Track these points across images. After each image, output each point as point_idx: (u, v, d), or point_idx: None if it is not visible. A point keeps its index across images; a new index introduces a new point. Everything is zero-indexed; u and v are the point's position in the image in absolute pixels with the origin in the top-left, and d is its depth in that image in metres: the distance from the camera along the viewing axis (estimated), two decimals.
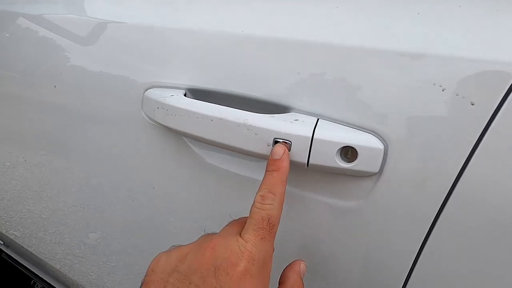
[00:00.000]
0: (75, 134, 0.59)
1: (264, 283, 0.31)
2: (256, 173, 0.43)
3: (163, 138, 0.49)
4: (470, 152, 0.31)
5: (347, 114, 0.36)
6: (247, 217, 0.33)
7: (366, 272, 0.40)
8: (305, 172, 0.39)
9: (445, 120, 0.32)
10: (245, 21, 0.43)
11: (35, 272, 0.91)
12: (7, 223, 0.84)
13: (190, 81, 0.46)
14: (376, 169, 0.35)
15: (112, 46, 0.53)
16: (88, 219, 0.66)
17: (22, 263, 0.94)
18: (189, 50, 0.46)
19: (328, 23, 0.38)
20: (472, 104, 0.31)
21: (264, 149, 0.37)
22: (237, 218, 0.36)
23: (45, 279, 0.90)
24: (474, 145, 0.31)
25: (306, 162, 0.36)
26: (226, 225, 0.35)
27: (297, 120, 0.37)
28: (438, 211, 0.33)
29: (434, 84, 0.32)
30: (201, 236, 0.34)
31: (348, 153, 0.36)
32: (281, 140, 0.36)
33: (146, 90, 0.48)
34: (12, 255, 0.96)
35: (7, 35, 0.64)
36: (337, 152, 0.35)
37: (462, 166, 0.32)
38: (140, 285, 0.32)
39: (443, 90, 0.32)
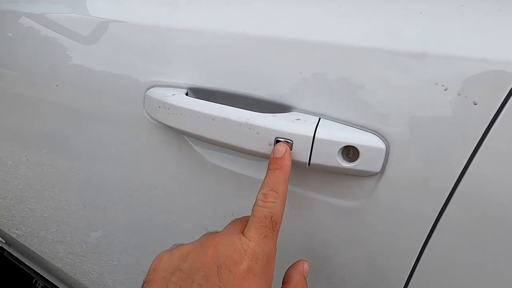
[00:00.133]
0: (77, 133, 0.60)
1: (267, 281, 0.31)
2: (258, 172, 0.43)
3: (165, 137, 0.49)
4: (473, 152, 0.31)
5: (348, 114, 0.36)
6: (250, 216, 0.33)
7: (368, 271, 0.40)
8: (307, 171, 0.39)
9: (447, 120, 0.32)
10: (247, 21, 0.43)
11: (37, 270, 0.92)
12: (9, 222, 0.84)
13: (192, 80, 0.46)
14: (377, 168, 0.35)
15: (114, 45, 0.53)
16: (90, 218, 0.66)
17: (24, 261, 0.94)
18: (191, 49, 0.46)
19: (330, 23, 0.38)
20: (475, 104, 0.31)
21: (266, 149, 0.37)
22: (239, 217, 0.36)
23: (47, 277, 0.90)
24: (477, 145, 0.31)
25: (308, 161, 0.36)
26: (229, 224, 0.35)
27: (299, 119, 0.37)
28: (440, 210, 0.33)
29: (436, 84, 0.32)
30: (203, 235, 0.34)
31: (350, 152, 0.36)
32: (282, 140, 0.36)
33: (148, 89, 0.48)
34: (14, 254, 0.96)
35: (10, 34, 0.64)
36: (338, 151, 0.35)
37: (465, 166, 0.32)
38: (142, 284, 0.32)
39: (445, 90, 0.32)
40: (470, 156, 0.31)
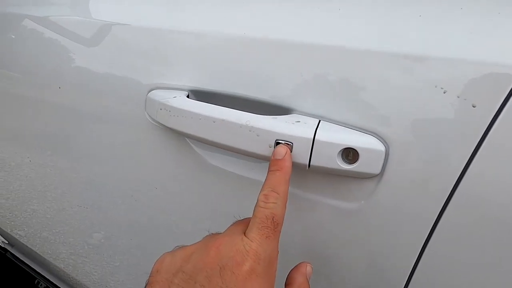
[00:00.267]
0: (80, 135, 0.60)
1: (270, 282, 0.30)
2: (258, 174, 0.43)
3: (166, 139, 0.49)
4: (472, 154, 0.31)
5: (348, 116, 0.36)
6: (251, 217, 0.33)
7: (369, 272, 0.40)
8: (307, 173, 0.39)
9: (446, 122, 0.32)
10: (248, 23, 0.43)
11: (39, 271, 0.92)
12: (12, 223, 0.85)
13: (193, 82, 0.46)
14: (377, 170, 0.35)
15: (116, 47, 0.53)
16: (92, 219, 0.67)
17: (26, 262, 0.95)
18: (192, 52, 0.46)
19: (330, 25, 0.39)
20: (474, 106, 0.31)
21: (266, 151, 0.37)
22: (241, 218, 0.36)
23: (49, 278, 0.91)
24: (476, 147, 0.31)
25: (308, 163, 0.36)
26: (231, 225, 0.35)
27: (299, 121, 0.37)
28: (440, 211, 0.33)
29: (435, 86, 0.32)
30: (205, 236, 0.34)
31: (350, 154, 0.36)
32: (282, 142, 0.36)
33: (149, 91, 0.49)
34: (17, 255, 0.97)
35: (13, 36, 0.65)
36: (338, 153, 0.35)
37: (464, 168, 0.32)
38: (144, 285, 0.32)
39: (444, 92, 0.32)
40: (469, 158, 0.31)
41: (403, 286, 0.38)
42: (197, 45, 0.46)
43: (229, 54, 0.44)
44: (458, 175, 0.32)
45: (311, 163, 0.36)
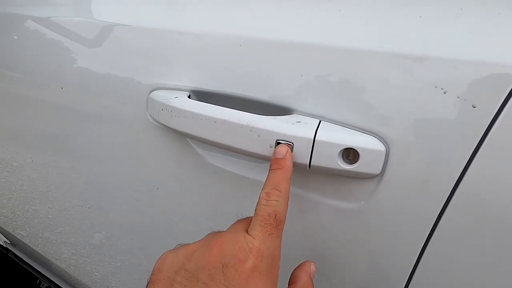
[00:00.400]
0: (81, 135, 0.60)
1: (273, 280, 0.30)
2: (259, 174, 0.43)
3: (167, 139, 0.50)
4: (472, 154, 0.31)
5: (349, 116, 0.36)
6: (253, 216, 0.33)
7: (369, 272, 0.40)
8: (307, 173, 0.39)
9: (446, 123, 0.32)
10: (249, 24, 0.44)
11: (41, 271, 0.92)
12: (14, 223, 0.85)
13: (194, 83, 0.46)
14: (377, 170, 0.35)
15: (118, 48, 0.53)
16: (93, 220, 0.67)
17: (28, 262, 0.95)
18: (194, 52, 0.47)
19: (331, 26, 0.39)
20: (474, 107, 0.31)
21: (267, 151, 0.37)
22: (243, 217, 0.36)
23: (50, 278, 0.91)
24: (476, 147, 0.31)
25: (308, 163, 0.36)
26: (233, 224, 0.35)
27: (299, 122, 0.37)
28: (440, 212, 0.34)
29: (435, 87, 0.32)
30: (208, 234, 0.34)
31: (350, 154, 0.36)
32: (283, 142, 0.36)
33: (151, 92, 0.49)
34: (19, 254, 0.97)
35: (16, 37, 0.65)
36: (339, 153, 0.35)
37: (464, 168, 0.32)
38: (146, 284, 0.32)
39: (444, 93, 0.32)
40: (470, 158, 0.31)
41: (404, 286, 0.38)
42: (197, 45, 0.46)
43: (229, 54, 0.44)
44: (458, 175, 0.32)
45: (311, 163, 0.36)
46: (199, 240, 0.33)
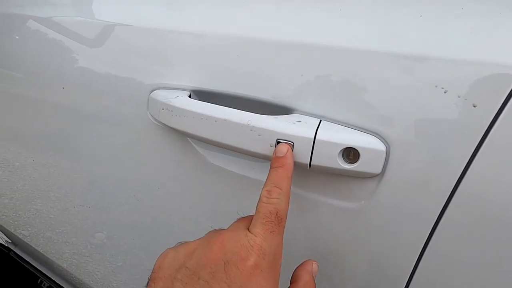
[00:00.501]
0: (82, 135, 0.60)
1: (274, 277, 0.30)
2: (260, 173, 0.43)
3: (168, 139, 0.50)
4: (473, 154, 0.31)
5: (349, 116, 0.36)
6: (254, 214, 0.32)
7: (369, 272, 0.40)
8: (308, 173, 0.39)
9: (447, 122, 0.32)
10: (249, 23, 0.44)
11: (42, 271, 0.92)
12: (16, 222, 0.85)
13: (195, 82, 0.46)
14: (378, 170, 0.35)
15: (119, 48, 0.54)
16: (95, 219, 0.67)
17: (29, 261, 0.95)
18: (194, 52, 0.47)
19: (331, 25, 0.39)
20: (474, 106, 0.31)
21: (267, 150, 0.38)
22: (245, 215, 0.36)
23: (52, 277, 0.91)
24: (476, 147, 0.31)
25: (309, 163, 0.36)
26: (234, 222, 0.34)
27: (300, 121, 0.37)
28: (441, 211, 0.34)
29: (436, 86, 0.32)
30: (209, 232, 0.34)
31: (350, 154, 0.36)
32: (284, 141, 0.36)
33: (152, 91, 0.49)
34: (20, 254, 0.97)
35: (17, 37, 0.65)
36: (339, 153, 0.35)
37: (465, 168, 0.32)
38: (147, 282, 0.32)
39: (445, 92, 0.32)
40: (470, 158, 0.31)
41: (404, 286, 0.38)
42: (197, 45, 0.46)
43: (229, 54, 0.44)
44: (459, 175, 0.32)
45: (312, 163, 0.36)
46: (200, 238, 0.33)
